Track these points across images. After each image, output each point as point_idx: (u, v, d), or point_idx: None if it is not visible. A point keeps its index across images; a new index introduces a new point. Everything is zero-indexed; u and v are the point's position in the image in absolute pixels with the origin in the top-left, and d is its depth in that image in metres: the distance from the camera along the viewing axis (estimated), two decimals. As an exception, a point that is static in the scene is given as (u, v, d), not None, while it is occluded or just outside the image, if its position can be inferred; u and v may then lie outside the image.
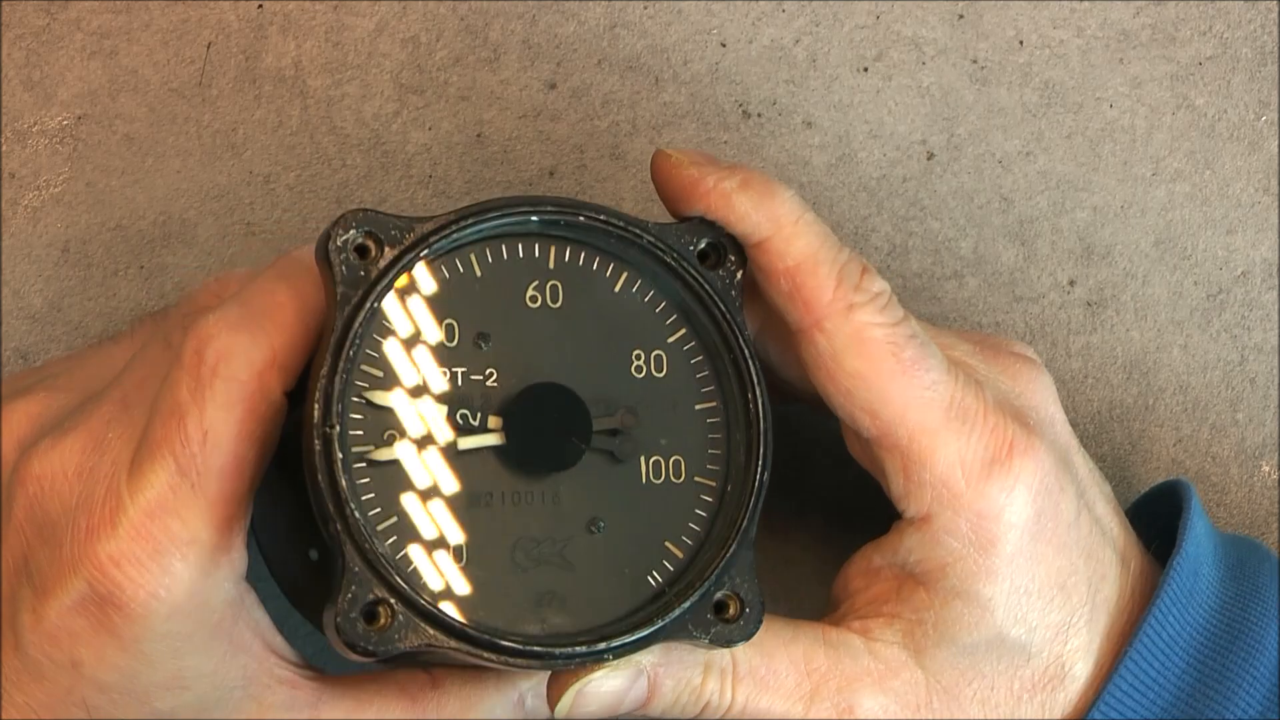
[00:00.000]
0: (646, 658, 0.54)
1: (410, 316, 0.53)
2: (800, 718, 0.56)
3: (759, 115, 0.67)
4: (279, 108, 0.67)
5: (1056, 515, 0.56)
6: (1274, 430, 0.67)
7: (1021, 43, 0.68)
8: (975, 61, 0.68)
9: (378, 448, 0.52)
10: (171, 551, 0.52)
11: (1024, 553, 0.55)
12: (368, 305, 0.51)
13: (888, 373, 0.54)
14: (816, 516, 0.68)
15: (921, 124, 0.68)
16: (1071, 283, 0.68)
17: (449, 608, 0.52)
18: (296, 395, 0.53)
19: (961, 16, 0.68)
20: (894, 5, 0.68)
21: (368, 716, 0.56)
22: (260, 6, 0.67)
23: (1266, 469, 0.68)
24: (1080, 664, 0.56)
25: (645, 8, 0.67)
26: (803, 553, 0.68)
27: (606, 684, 0.54)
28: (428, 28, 0.67)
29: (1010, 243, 0.68)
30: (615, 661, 0.53)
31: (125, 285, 0.66)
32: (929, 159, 0.68)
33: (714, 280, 0.54)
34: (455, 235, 0.52)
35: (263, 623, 0.55)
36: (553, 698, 0.54)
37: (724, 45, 0.68)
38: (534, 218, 0.53)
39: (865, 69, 0.68)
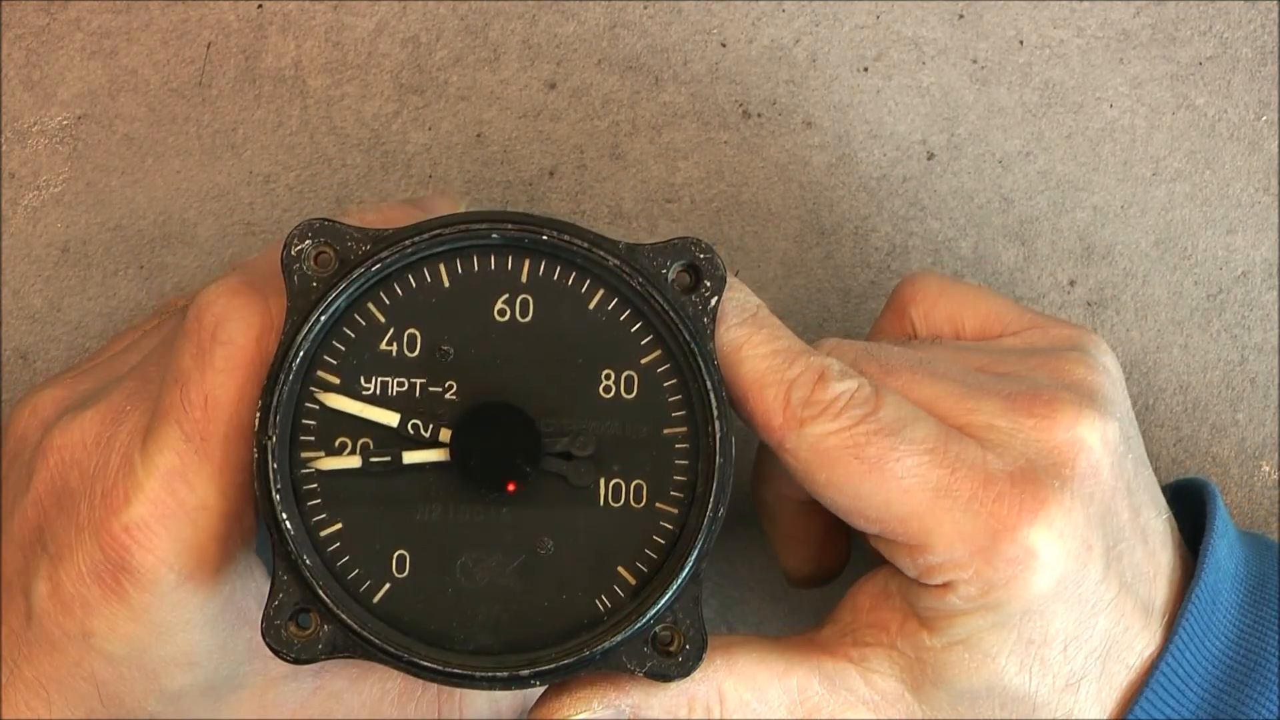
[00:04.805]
0: (626, 700, 0.53)
1: (372, 324, 0.52)
2: None
3: (759, 115, 0.67)
4: (279, 108, 0.67)
5: (1079, 576, 0.54)
6: (1274, 430, 0.67)
7: (1021, 43, 0.68)
8: (975, 61, 0.68)
9: (327, 455, 0.52)
10: (181, 517, 0.52)
11: (1035, 610, 0.53)
12: (313, 318, 0.51)
13: (856, 476, 0.53)
14: (816, 516, 0.68)
15: (921, 124, 0.68)
16: (1071, 283, 0.68)
17: (375, 624, 0.52)
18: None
19: (961, 16, 0.68)
20: (894, 5, 0.68)
21: (369, 683, 0.57)
22: (260, 6, 0.67)
23: (1266, 469, 0.68)
24: (1091, 715, 0.55)
25: (645, 8, 0.67)
26: (803, 553, 0.68)
27: None
28: (428, 28, 0.67)
29: (1010, 243, 0.68)
30: (594, 704, 0.53)
31: (125, 285, 0.66)
32: (929, 159, 0.68)
33: (685, 306, 0.53)
34: (411, 251, 0.52)
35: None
36: None
37: (724, 45, 0.68)
38: (494, 235, 0.52)
39: (865, 69, 0.68)
